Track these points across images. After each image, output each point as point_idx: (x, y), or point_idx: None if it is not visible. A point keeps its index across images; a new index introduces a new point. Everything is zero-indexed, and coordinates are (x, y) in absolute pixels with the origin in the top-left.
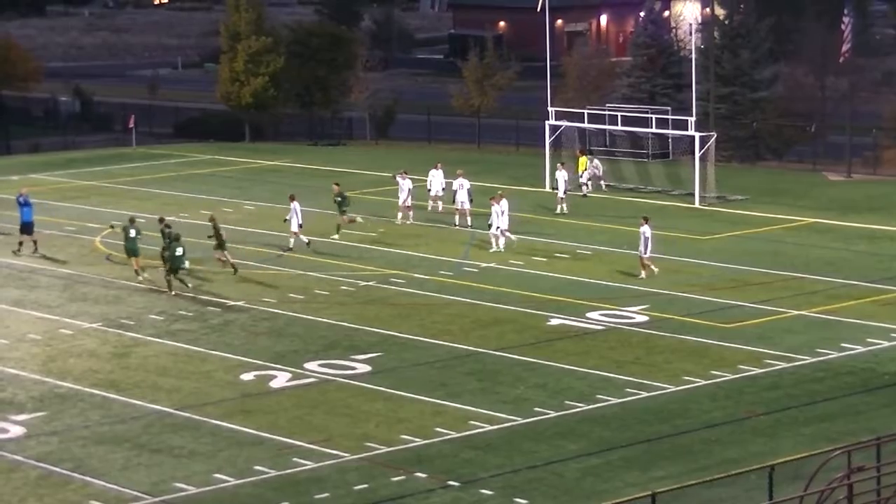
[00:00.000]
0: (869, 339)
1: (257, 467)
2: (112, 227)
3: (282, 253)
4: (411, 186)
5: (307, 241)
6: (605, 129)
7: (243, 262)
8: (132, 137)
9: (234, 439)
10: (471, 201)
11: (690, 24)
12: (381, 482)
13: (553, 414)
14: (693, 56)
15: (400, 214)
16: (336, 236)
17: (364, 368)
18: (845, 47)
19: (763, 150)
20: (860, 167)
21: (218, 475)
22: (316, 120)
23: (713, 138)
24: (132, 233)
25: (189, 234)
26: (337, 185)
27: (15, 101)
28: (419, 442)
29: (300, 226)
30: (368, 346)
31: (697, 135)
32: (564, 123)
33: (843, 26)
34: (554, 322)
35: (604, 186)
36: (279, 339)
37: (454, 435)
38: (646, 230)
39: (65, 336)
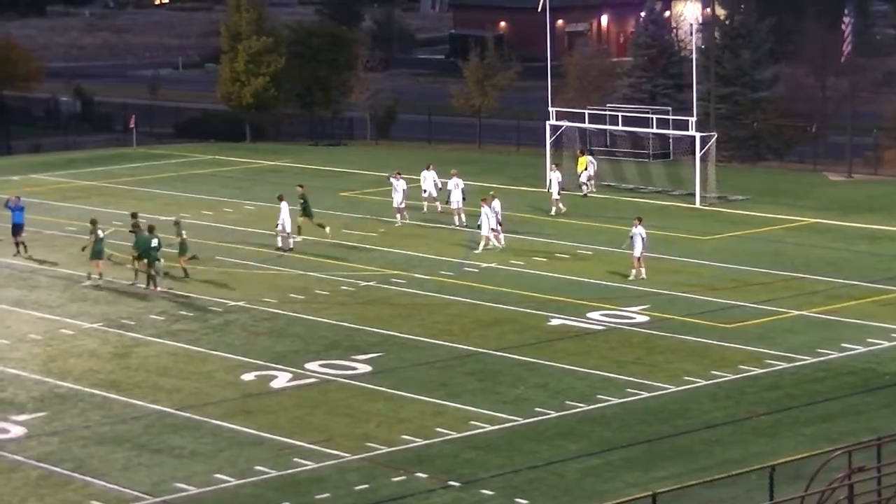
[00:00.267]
0: (869, 340)
1: (258, 467)
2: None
3: (282, 253)
4: (406, 187)
5: (291, 245)
6: (605, 130)
7: (244, 262)
8: (133, 137)
9: (234, 439)
10: (463, 199)
11: (691, 25)
12: (382, 482)
13: (554, 414)
14: (694, 56)
15: (398, 216)
16: (299, 238)
17: (365, 368)
18: (846, 47)
19: (764, 151)
20: (861, 167)
21: (219, 475)
22: (317, 120)
23: (714, 138)
24: (100, 233)
25: (188, 234)
26: (301, 186)
27: (16, 101)
28: (420, 442)
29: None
30: (369, 346)
31: (698, 135)
32: (565, 123)
33: (843, 26)
34: (554, 322)
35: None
36: (280, 340)
37: (455, 435)
38: (640, 231)
39: (65, 336)
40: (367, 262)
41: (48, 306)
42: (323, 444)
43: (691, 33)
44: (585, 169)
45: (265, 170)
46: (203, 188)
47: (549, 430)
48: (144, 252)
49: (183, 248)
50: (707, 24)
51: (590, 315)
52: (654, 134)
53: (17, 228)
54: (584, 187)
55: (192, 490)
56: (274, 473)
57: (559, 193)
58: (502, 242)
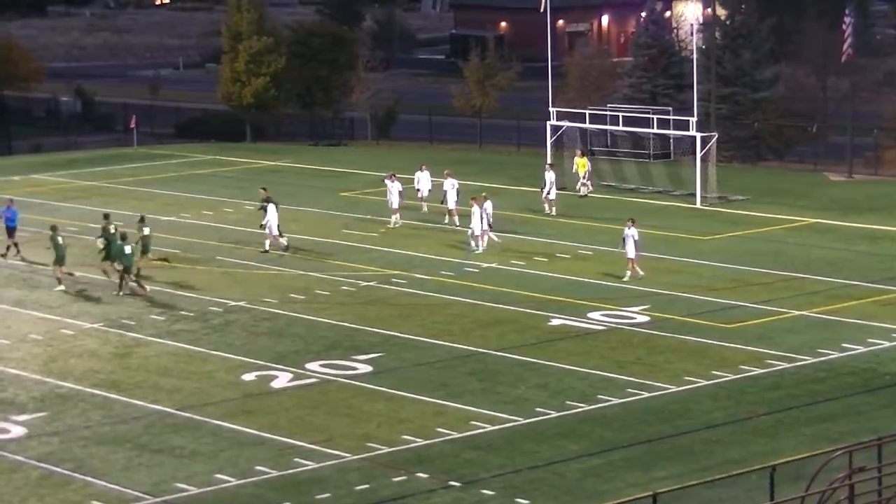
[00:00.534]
0: (870, 340)
1: (258, 467)
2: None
3: (282, 253)
4: (401, 189)
5: (267, 249)
6: (606, 130)
7: (244, 262)
8: (133, 138)
9: (235, 439)
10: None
11: (692, 25)
12: (383, 482)
13: (554, 414)
14: (694, 56)
15: (392, 218)
16: (284, 240)
17: (365, 369)
18: (846, 48)
19: (764, 151)
20: (861, 167)
21: (219, 475)
22: (317, 120)
23: (714, 138)
24: (59, 240)
25: (188, 235)
26: (264, 189)
27: (16, 101)
28: (420, 442)
29: (278, 227)
30: (369, 346)
31: (699, 135)
32: (566, 124)
33: (843, 26)
34: (555, 322)
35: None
36: (280, 340)
37: (455, 435)
38: (633, 233)
39: (66, 336)
40: (367, 262)
41: (49, 306)
42: (323, 444)
43: (692, 33)
44: (585, 169)
45: (266, 170)
46: (203, 188)
47: (550, 430)
48: (118, 258)
49: (145, 246)
50: (707, 25)
51: (590, 315)
52: (654, 134)
53: (10, 230)
54: (584, 187)
55: (193, 490)
56: (274, 473)
57: (554, 194)
58: (485, 245)
